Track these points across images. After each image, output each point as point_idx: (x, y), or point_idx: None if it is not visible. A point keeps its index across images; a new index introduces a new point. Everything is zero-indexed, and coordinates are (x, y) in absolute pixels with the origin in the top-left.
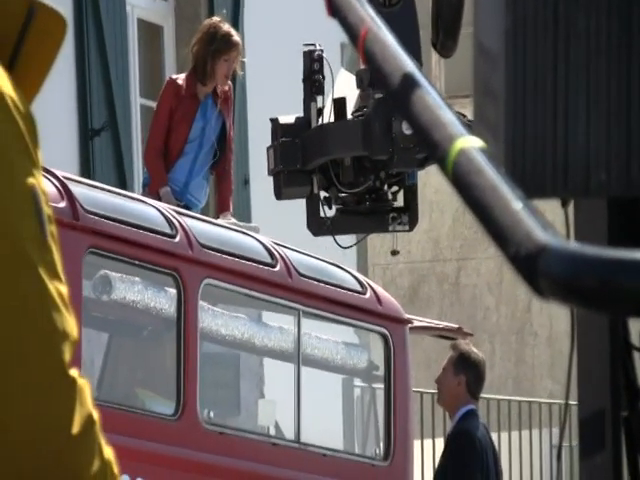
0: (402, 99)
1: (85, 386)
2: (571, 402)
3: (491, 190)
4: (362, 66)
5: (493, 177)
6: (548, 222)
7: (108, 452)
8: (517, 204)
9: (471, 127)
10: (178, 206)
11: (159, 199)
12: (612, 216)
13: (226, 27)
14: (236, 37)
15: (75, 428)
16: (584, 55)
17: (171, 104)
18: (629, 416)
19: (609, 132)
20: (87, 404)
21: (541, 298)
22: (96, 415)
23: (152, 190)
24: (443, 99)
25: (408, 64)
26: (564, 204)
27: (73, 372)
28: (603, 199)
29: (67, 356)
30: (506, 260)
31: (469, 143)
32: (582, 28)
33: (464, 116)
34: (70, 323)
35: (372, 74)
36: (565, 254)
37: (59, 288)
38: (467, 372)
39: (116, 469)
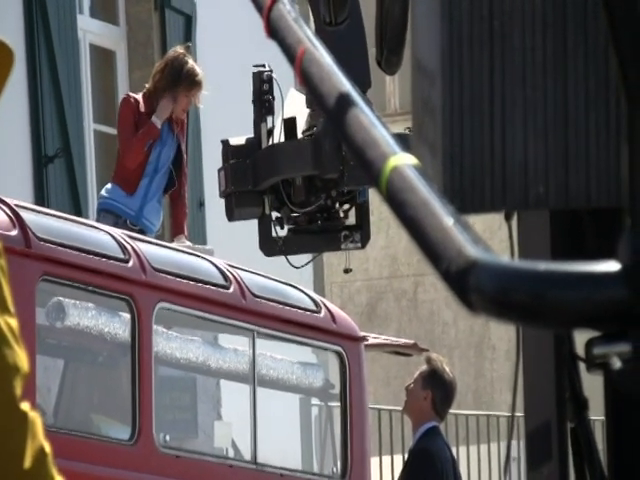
0: (338, 119)
1: (36, 419)
2: (519, 414)
3: (423, 207)
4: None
5: (425, 194)
6: (479, 237)
7: None
8: (449, 220)
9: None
10: (132, 230)
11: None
12: (554, 228)
13: (190, 63)
14: (200, 75)
15: (27, 462)
16: (520, 70)
17: (134, 118)
18: (576, 427)
19: (546, 146)
20: (39, 437)
21: (473, 313)
22: (48, 447)
23: (155, 134)
24: (379, 118)
25: (344, 84)
26: (507, 218)
27: (24, 406)
28: (545, 212)
29: (18, 390)
30: (438, 276)
31: (402, 161)
32: (518, 44)
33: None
34: (21, 357)
35: (310, 94)
36: (495, 269)
37: (9, 322)
38: (434, 389)
39: None
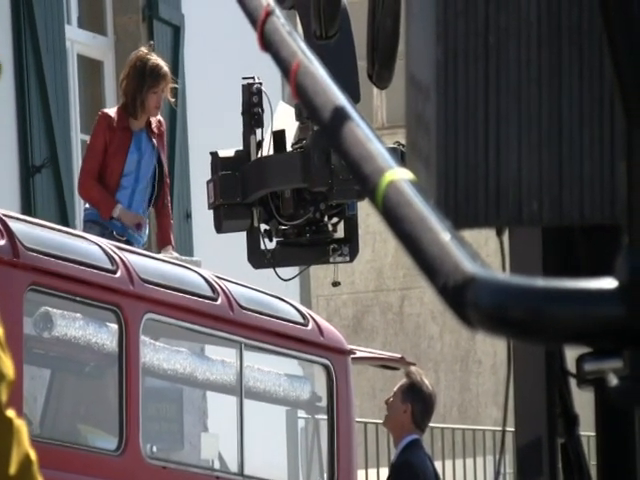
0: (332, 133)
1: (22, 426)
2: (510, 429)
3: (420, 222)
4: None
5: (422, 209)
6: (476, 253)
7: None
8: (445, 235)
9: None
10: (119, 242)
11: (111, 231)
12: (546, 244)
13: (153, 59)
14: (165, 68)
15: (13, 468)
16: (515, 85)
17: (105, 137)
18: (566, 442)
19: (541, 162)
20: (24, 444)
21: (470, 329)
22: (33, 455)
23: (105, 216)
24: (374, 131)
25: (339, 97)
26: (499, 233)
27: (10, 413)
28: (537, 228)
29: (3, 397)
30: (435, 292)
31: (398, 175)
32: (513, 59)
33: (403, 146)
34: (6, 364)
35: (304, 108)
36: (492, 285)
37: None
38: (414, 402)
39: None
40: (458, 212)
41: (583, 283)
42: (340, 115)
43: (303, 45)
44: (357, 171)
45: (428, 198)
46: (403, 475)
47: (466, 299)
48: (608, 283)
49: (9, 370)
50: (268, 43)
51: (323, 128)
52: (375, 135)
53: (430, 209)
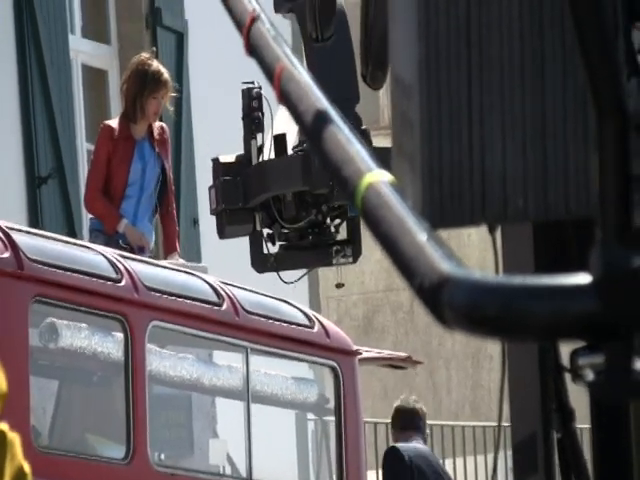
0: (314, 137)
1: (15, 439)
2: (506, 424)
3: (398, 223)
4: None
5: (400, 210)
6: (452, 253)
7: None
8: (422, 236)
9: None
10: (124, 250)
11: (117, 239)
12: (538, 240)
13: (155, 64)
14: (165, 75)
15: None
16: (498, 82)
17: (108, 148)
18: (562, 437)
19: (525, 158)
20: (18, 457)
21: (446, 328)
22: (27, 467)
23: (110, 230)
24: (356, 135)
25: (321, 102)
26: (491, 230)
27: (2, 426)
28: (528, 224)
29: None
30: (412, 291)
31: (378, 177)
32: (495, 55)
33: None
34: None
35: (288, 112)
36: (467, 284)
37: None
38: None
39: None
40: (443, 211)
41: (558, 279)
42: (321, 119)
43: (288, 50)
44: (338, 174)
45: (407, 199)
46: (389, 459)
47: (441, 299)
48: (582, 278)
49: (2, 383)
50: (253, 48)
51: (305, 132)
52: (356, 138)
53: (408, 210)
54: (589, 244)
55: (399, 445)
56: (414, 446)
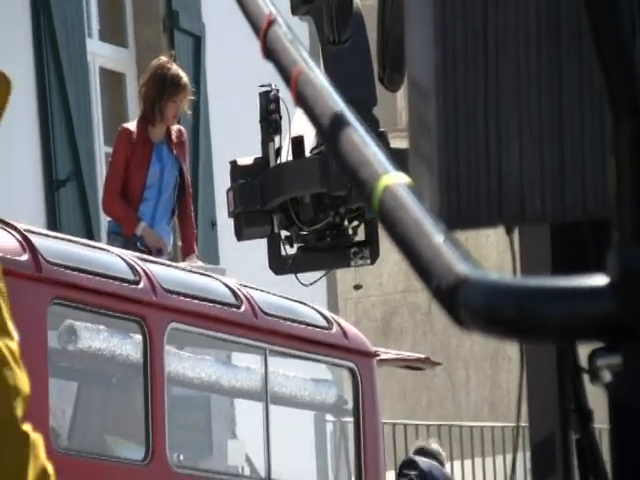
0: (331, 139)
1: (38, 440)
2: (524, 424)
3: (414, 225)
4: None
5: (417, 212)
6: (469, 254)
7: None
8: (439, 238)
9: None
10: (143, 253)
11: (135, 241)
12: (555, 241)
13: (174, 68)
14: (185, 79)
15: None
16: (515, 83)
17: (126, 152)
18: (581, 438)
19: (542, 159)
20: (41, 458)
21: (464, 329)
22: (50, 469)
23: (128, 233)
24: (373, 137)
25: (337, 104)
26: (508, 231)
27: (26, 427)
28: (545, 225)
29: (19, 411)
30: (429, 293)
31: (394, 180)
32: (512, 58)
33: None
34: (21, 379)
35: (306, 115)
36: (484, 285)
37: (9, 345)
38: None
39: None
40: (461, 213)
41: (575, 280)
42: (338, 121)
43: (305, 53)
44: (354, 177)
45: (423, 201)
46: (402, 467)
47: (458, 300)
48: (600, 280)
49: (24, 385)
50: (270, 51)
51: (322, 135)
52: (373, 140)
53: (425, 212)
54: (606, 245)
55: (417, 457)
56: (431, 462)
